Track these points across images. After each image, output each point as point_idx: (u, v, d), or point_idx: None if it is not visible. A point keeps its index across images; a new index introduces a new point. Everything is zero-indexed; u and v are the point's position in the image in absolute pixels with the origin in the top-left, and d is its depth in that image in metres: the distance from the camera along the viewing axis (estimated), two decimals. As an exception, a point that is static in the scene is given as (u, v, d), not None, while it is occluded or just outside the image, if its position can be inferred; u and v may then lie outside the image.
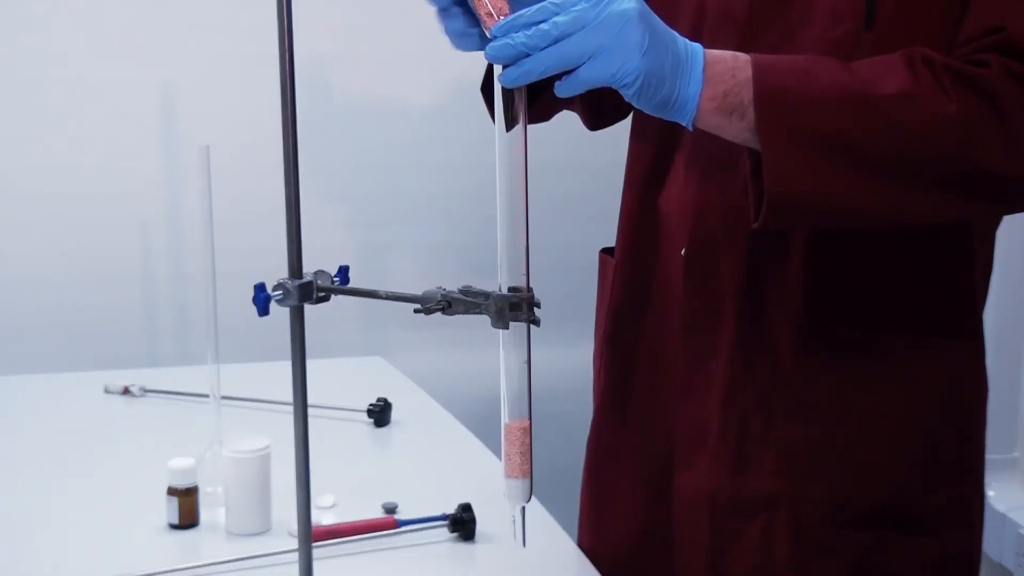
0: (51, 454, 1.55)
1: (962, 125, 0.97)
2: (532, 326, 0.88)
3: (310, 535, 0.93)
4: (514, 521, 0.93)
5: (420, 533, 1.27)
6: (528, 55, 0.88)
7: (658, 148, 1.20)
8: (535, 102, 1.19)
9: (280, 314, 0.91)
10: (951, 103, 0.97)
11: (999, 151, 0.98)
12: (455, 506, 1.27)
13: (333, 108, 2.19)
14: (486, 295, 0.86)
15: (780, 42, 1.07)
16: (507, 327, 0.87)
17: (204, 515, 1.30)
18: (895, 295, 1.11)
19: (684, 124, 0.98)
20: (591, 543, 1.31)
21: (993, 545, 2.10)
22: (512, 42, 0.88)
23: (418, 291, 0.89)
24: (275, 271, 0.90)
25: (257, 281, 0.91)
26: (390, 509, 1.32)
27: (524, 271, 0.88)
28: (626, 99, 0.95)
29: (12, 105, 2.06)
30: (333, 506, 1.36)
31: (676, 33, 0.96)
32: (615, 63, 0.90)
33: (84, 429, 1.66)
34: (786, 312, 1.11)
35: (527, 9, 0.89)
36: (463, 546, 1.26)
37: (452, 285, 0.89)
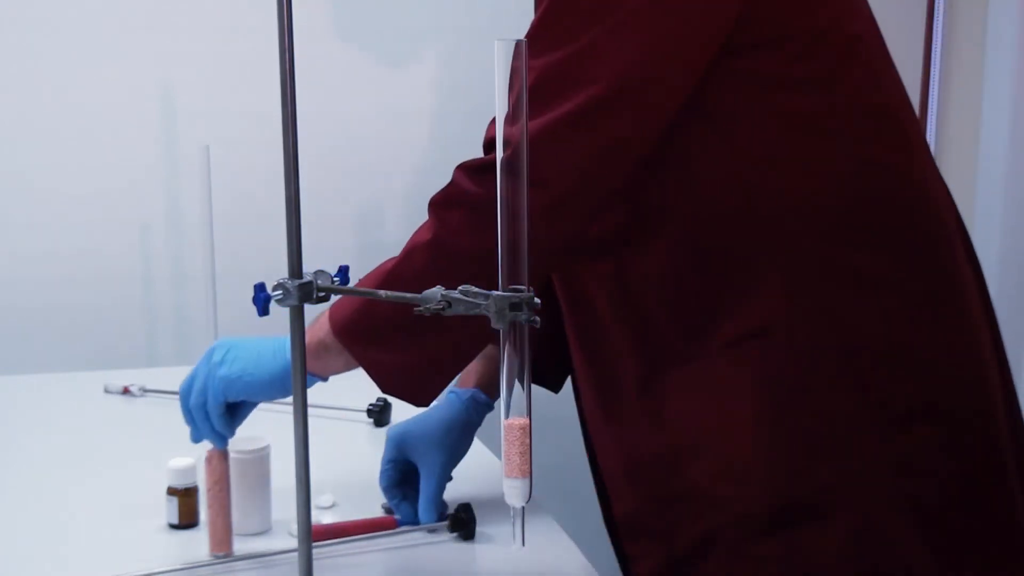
0: (51, 454, 1.55)
1: (438, 245, 1.12)
2: (532, 326, 0.88)
3: (310, 535, 0.93)
4: (514, 521, 0.92)
5: (420, 533, 1.27)
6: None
7: None
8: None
9: (280, 314, 0.91)
10: (428, 233, 1.12)
11: (472, 239, 1.08)
12: (455, 506, 1.27)
13: (333, 108, 2.18)
14: (486, 295, 0.86)
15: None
16: (507, 327, 0.87)
17: (204, 515, 1.30)
18: (660, 327, 1.15)
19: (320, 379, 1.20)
20: None
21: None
22: None
23: (418, 291, 0.88)
24: (275, 271, 0.90)
25: (257, 281, 0.91)
26: (390, 509, 1.32)
27: (524, 271, 0.88)
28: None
29: (12, 105, 2.06)
30: (333, 506, 1.36)
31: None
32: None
33: (84, 429, 1.66)
34: (623, 368, 1.18)
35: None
36: (463, 546, 1.25)
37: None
